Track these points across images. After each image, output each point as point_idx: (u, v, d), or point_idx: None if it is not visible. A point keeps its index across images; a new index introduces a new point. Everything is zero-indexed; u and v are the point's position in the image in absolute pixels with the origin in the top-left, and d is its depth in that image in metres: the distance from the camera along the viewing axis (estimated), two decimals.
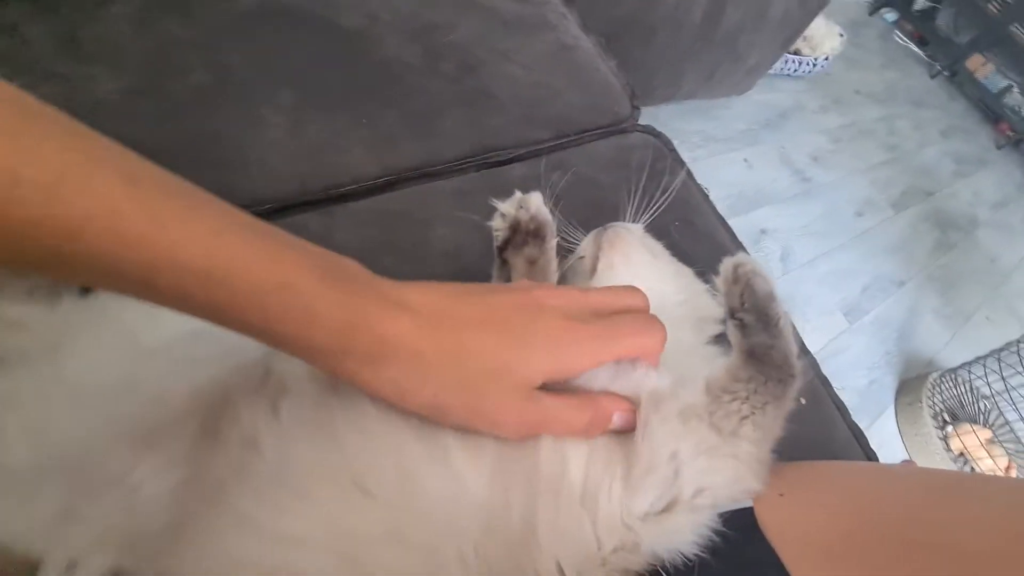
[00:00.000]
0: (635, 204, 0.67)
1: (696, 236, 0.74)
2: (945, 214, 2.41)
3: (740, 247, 0.79)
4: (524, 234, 0.51)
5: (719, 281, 0.42)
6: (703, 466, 0.37)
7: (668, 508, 0.36)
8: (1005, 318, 2.14)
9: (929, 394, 1.63)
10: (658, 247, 0.60)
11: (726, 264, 0.41)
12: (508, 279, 0.53)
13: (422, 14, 0.76)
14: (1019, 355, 1.48)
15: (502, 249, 0.52)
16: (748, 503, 0.37)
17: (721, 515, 0.37)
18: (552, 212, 0.57)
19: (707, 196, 0.81)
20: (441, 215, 0.63)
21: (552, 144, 0.75)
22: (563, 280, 0.61)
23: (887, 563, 0.31)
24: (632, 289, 0.42)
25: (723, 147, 2.02)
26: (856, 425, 0.72)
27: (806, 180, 2.14)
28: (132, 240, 0.23)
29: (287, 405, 0.36)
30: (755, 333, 0.39)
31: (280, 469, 0.34)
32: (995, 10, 2.77)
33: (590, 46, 0.86)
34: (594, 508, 0.35)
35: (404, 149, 0.66)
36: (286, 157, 0.59)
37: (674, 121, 1.93)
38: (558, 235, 0.56)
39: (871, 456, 0.70)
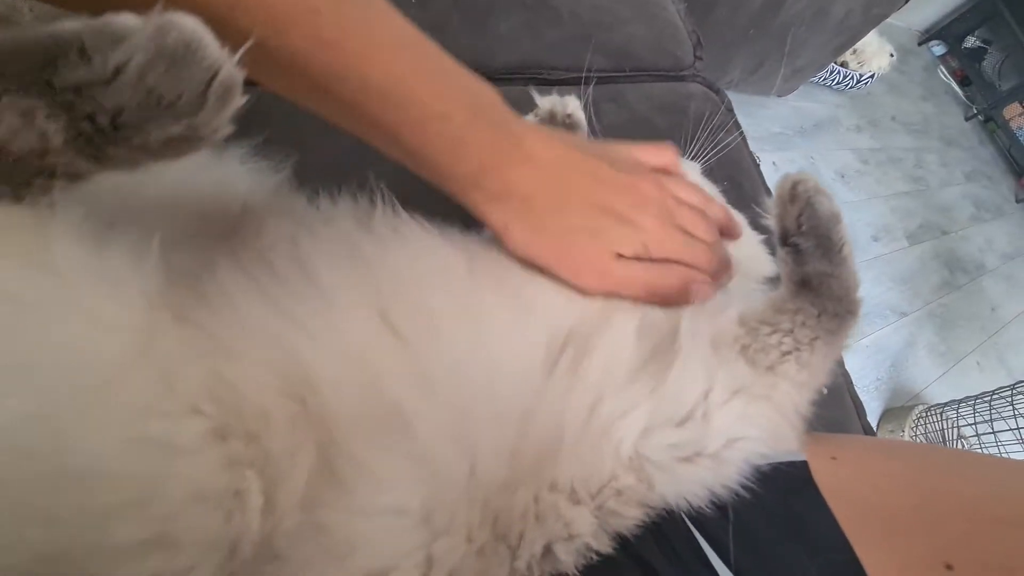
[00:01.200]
0: (692, 151, 0.62)
1: (743, 200, 0.69)
2: (955, 255, 2.39)
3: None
4: (556, 127, 0.50)
5: (773, 201, 0.37)
6: (736, 412, 0.33)
7: (690, 458, 0.32)
8: (995, 366, 2.14)
9: (912, 425, 1.62)
10: (714, 190, 0.55)
11: (784, 181, 0.36)
12: None
13: None
14: (1011, 403, 1.47)
15: None
16: (799, 456, 0.33)
17: (770, 465, 0.33)
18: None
19: (758, 164, 0.76)
20: None
21: (608, 74, 0.69)
22: None
23: (962, 539, 0.27)
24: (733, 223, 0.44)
25: (755, 146, 1.95)
26: (870, 426, 0.69)
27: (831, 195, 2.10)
28: (325, 42, 0.26)
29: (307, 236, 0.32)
30: (812, 259, 0.35)
31: (301, 286, 0.29)
32: None
33: None
34: (615, 439, 0.31)
35: (453, 43, 0.58)
36: None
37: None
38: None
39: None
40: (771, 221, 0.38)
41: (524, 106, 0.56)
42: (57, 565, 0.20)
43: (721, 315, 0.37)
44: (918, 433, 1.61)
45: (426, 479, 0.27)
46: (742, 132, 0.76)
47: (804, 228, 0.35)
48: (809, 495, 0.31)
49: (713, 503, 0.32)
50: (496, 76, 0.62)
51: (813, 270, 0.35)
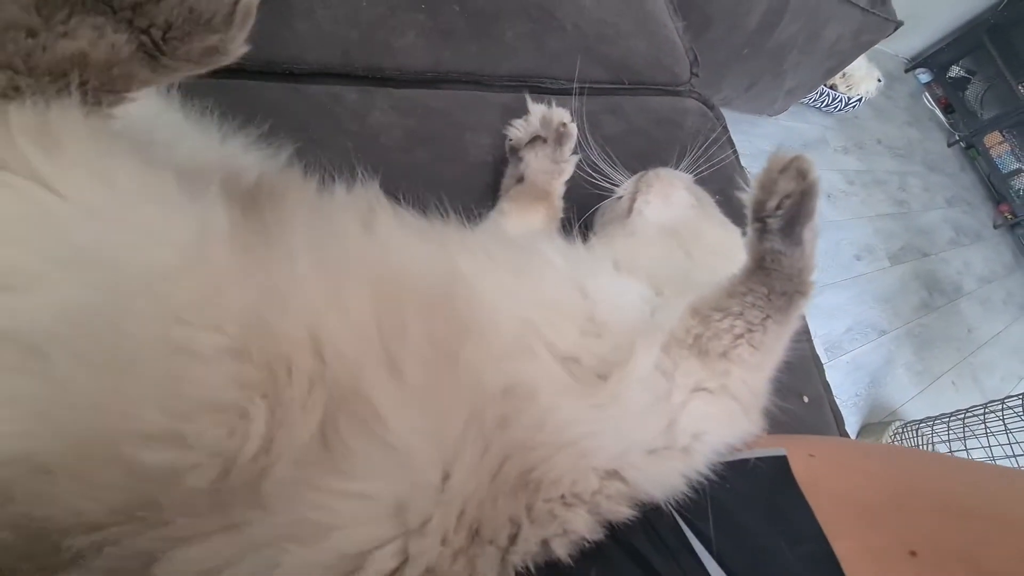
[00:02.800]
0: (685, 163, 0.64)
1: (734, 213, 0.71)
2: (935, 277, 2.45)
3: None
4: (547, 137, 0.53)
5: (764, 174, 0.35)
6: (698, 412, 0.35)
7: (659, 452, 0.34)
8: (969, 386, 2.20)
9: (889, 441, 1.66)
10: (707, 197, 0.57)
11: (784, 154, 0.34)
12: (519, 177, 0.54)
13: None
14: (984, 421, 1.52)
15: (517, 148, 0.54)
16: (780, 451, 0.35)
17: (753, 460, 0.35)
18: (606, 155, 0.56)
19: (749, 180, 0.79)
20: (484, 125, 0.59)
21: (608, 86, 0.71)
22: (598, 220, 0.58)
23: (927, 529, 0.29)
24: None
25: (745, 162, 2.00)
26: (848, 436, 0.71)
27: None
28: None
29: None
30: (772, 239, 0.34)
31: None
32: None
33: (662, 1, 0.82)
34: (593, 462, 0.33)
35: (459, 49, 0.61)
36: (336, 21, 0.54)
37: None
38: (613, 167, 0.55)
39: None
40: (748, 195, 0.37)
41: (524, 112, 0.58)
42: (93, 447, 0.23)
43: (672, 312, 0.38)
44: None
45: (397, 473, 0.28)
46: (735, 149, 0.79)
47: (780, 212, 0.34)
48: (789, 489, 0.33)
49: (696, 496, 0.33)
50: (500, 83, 0.64)
51: (770, 247, 0.35)
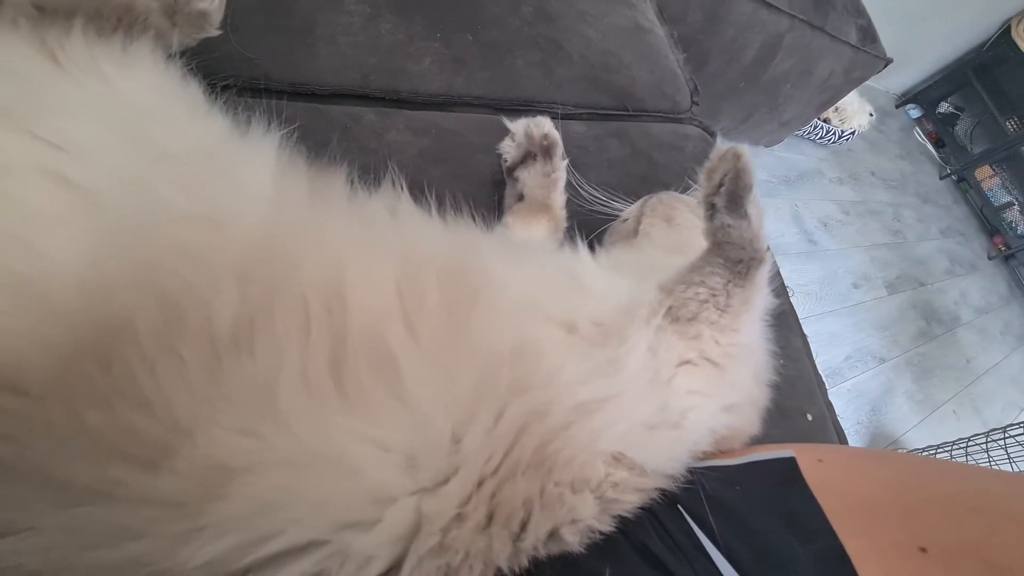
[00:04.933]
0: (686, 187, 0.67)
1: None
2: (932, 307, 2.47)
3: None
4: (536, 152, 0.55)
5: (707, 164, 0.40)
6: (682, 387, 0.37)
7: (656, 427, 0.36)
8: (970, 415, 2.19)
9: None
10: None
11: (722, 147, 0.40)
12: (519, 196, 0.56)
13: None
14: (986, 449, 1.51)
15: (512, 168, 0.56)
16: (789, 453, 0.36)
17: (762, 461, 0.36)
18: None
19: None
20: (493, 145, 0.61)
21: (613, 112, 0.74)
22: (607, 239, 0.60)
23: (937, 526, 0.30)
24: None
25: None
26: None
27: (812, 242, 2.18)
28: None
29: None
30: (720, 215, 0.39)
31: None
32: (1012, 128, 2.90)
33: (663, 34, 0.86)
34: (599, 449, 0.34)
35: (471, 75, 0.64)
36: (356, 47, 0.57)
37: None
38: (609, 197, 0.57)
39: None
40: (700, 189, 0.41)
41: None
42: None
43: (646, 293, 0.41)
44: None
45: (409, 425, 0.30)
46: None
47: (722, 189, 0.39)
48: (798, 488, 0.33)
49: (705, 497, 0.34)
50: (510, 107, 0.67)
51: (719, 223, 0.39)
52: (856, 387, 1.92)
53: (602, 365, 0.35)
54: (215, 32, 0.44)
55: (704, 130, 0.83)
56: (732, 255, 0.39)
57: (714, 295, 0.39)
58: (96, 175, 0.29)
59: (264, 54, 0.52)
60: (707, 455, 0.39)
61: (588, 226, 0.59)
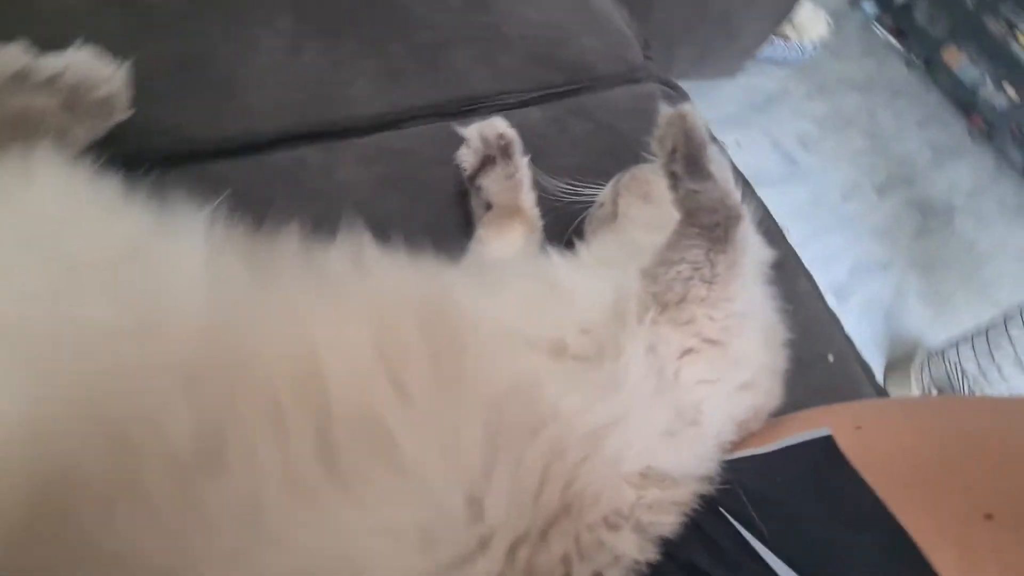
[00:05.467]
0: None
1: None
2: (925, 201, 2.45)
3: (760, 206, 0.76)
4: (494, 155, 0.52)
5: (656, 133, 0.39)
6: (689, 378, 0.35)
7: (674, 433, 0.34)
8: (983, 301, 2.18)
9: (918, 372, 1.65)
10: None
11: (666, 111, 0.38)
12: (487, 205, 0.53)
13: None
14: (1007, 333, 1.50)
15: (473, 177, 0.53)
16: (824, 431, 0.33)
17: (797, 447, 0.34)
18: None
19: (723, 149, 0.78)
20: (451, 156, 0.57)
21: (567, 88, 0.70)
22: (587, 229, 0.57)
23: (998, 486, 0.28)
24: None
25: (714, 128, 2.00)
26: (882, 388, 0.70)
27: (794, 163, 2.14)
28: None
29: None
30: (683, 182, 0.37)
31: None
32: (970, 2, 2.83)
33: None
34: (622, 472, 0.32)
35: (411, 84, 0.60)
36: (283, 85, 0.53)
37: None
38: (577, 186, 0.54)
39: None
40: (655, 157, 0.40)
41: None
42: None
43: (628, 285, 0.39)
44: (924, 380, 1.63)
45: (418, 499, 0.27)
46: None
47: (677, 154, 0.37)
48: (840, 469, 0.31)
49: (745, 495, 0.32)
50: (460, 110, 0.63)
51: (684, 190, 0.37)
52: (865, 299, 1.91)
53: (603, 385, 0.32)
54: (124, 115, 0.41)
55: (664, 84, 0.79)
56: (706, 220, 0.37)
57: (697, 268, 0.36)
58: (7, 305, 0.26)
59: (187, 118, 0.48)
60: (735, 445, 0.37)
61: (566, 219, 0.56)
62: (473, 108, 0.64)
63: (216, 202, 0.36)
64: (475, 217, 0.54)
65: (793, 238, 1.99)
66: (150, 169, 0.45)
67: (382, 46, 0.60)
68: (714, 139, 0.72)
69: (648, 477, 0.32)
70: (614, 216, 0.52)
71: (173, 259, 0.31)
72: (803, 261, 1.93)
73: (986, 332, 1.58)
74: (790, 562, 0.30)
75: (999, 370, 1.52)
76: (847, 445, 0.32)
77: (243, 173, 0.49)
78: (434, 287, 0.36)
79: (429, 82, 0.61)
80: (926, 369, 1.64)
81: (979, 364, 1.56)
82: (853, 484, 0.30)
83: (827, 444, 0.32)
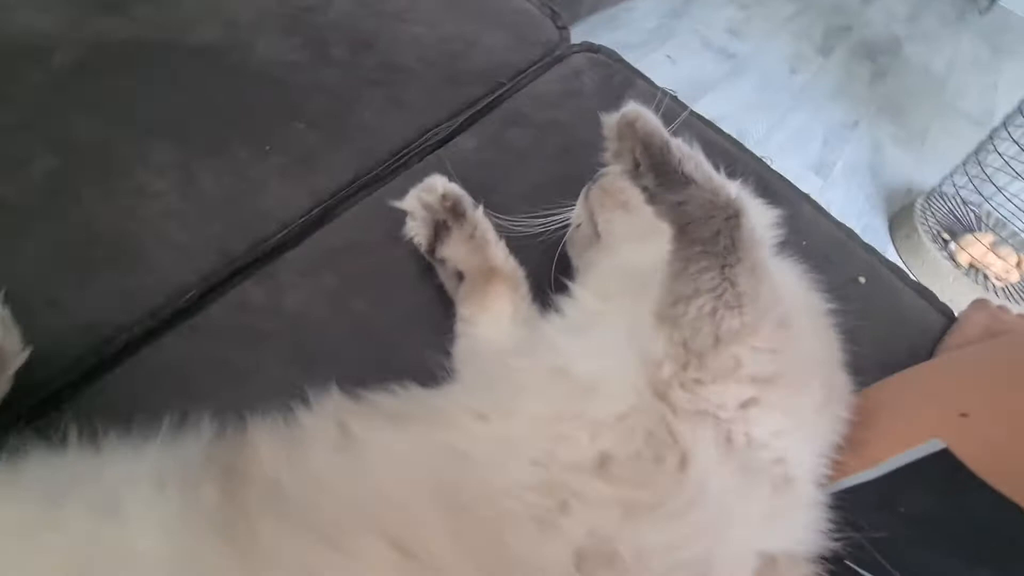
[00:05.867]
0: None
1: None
2: (869, 43, 2.37)
3: (731, 140, 0.70)
4: (445, 218, 0.46)
5: (607, 147, 0.32)
6: (760, 436, 0.30)
7: (775, 511, 0.29)
8: (955, 122, 2.14)
9: (922, 219, 1.61)
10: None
11: (609, 120, 0.32)
12: (457, 276, 0.47)
13: None
14: (996, 150, 1.46)
15: (432, 250, 0.47)
16: (936, 445, 0.29)
17: (911, 468, 0.29)
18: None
19: (671, 93, 0.71)
20: (394, 230, 0.50)
21: (490, 99, 0.63)
22: (572, 253, 0.51)
23: None
24: None
25: (641, 51, 1.92)
26: (919, 284, 0.65)
27: (731, 56, 2.06)
28: None
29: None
30: (661, 195, 0.31)
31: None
32: None
33: None
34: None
35: (327, 164, 0.53)
36: (190, 225, 0.47)
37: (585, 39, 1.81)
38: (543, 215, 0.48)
39: (944, 310, 0.64)
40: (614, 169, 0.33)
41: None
42: None
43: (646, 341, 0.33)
44: (930, 224, 1.60)
45: None
46: (640, 74, 0.72)
47: (642, 167, 0.31)
48: (969, 487, 0.27)
49: (867, 541, 0.28)
50: (393, 165, 0.56)
51: (666, 204, 0.31)
52: (847, 165, 1.86)
53: (680, 510, 0.27)
54: (22, 357, 0.34)
55: (588, 50, 0.72)
56: (703, 233, 0.31)
57: (718, 296, 0.31)
58: None
59: (97, 311, 0.42)
60: (833, 466, 0.32)
61: (547, 251, 0.50)
62: (401, 160, 0.57)
63: (160, 433, 0.30)
64: (449, 291, 0.48)
65: (758, 133, 1.92)
66: (70, 395, 0.39)
67: (278, 136, 0.52)
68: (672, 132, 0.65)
69: (769, 565, 0.27)
70: (596, 235, 0.46)
71: (123, 538, 0.25)
72: (775, 151, 1.84)
73: (975, 155, 1.54)
74: None
75: (998, 189, 1.49)
76: (964, 449, 0.28)
77: (181, 347, 0.43)
78: (437, 445, 0.30)
79: (344, 153, 0.54)
80: (928, 215, 1.61)
81: (977, 189, 1.52)
82: (989, 502, 0.26)
83: (944, 460, 0.28)
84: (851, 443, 0.33)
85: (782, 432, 0.30)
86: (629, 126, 0.30)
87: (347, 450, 0.30)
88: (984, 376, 0.33)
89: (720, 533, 0.27)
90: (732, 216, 0.31)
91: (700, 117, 0.69)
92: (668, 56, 1.94)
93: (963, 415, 0.29)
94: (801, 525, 0.29)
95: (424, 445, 0.30)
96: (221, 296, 0.46)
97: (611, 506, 0.27)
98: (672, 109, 0.64)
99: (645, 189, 0.32)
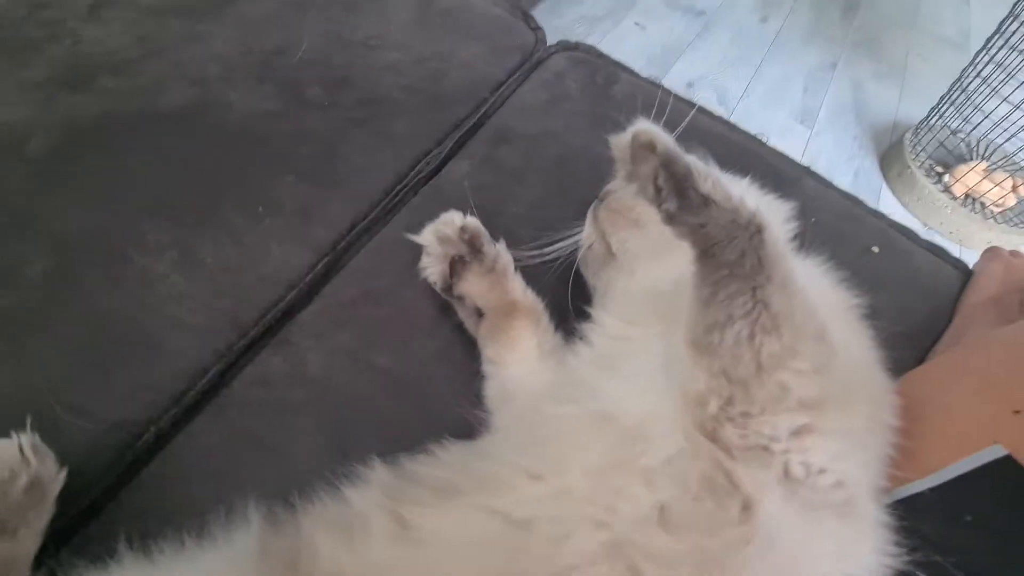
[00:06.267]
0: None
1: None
2: None
3: (724, 123, 0.68)
4: (462, 253, 0.46)
5: (623, 169, 0.31)
6: (815, 463, 0.30)
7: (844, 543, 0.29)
8: (934, 48, 2.12)
9: (912, 156, 1.60)
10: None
11: (619, 141, 0.31)
12: (476, 312, 0.46)
13: (252, 45, 0.60)
14: (979, 75, 1.44)
15: (449, 287, 0.46)
16: (997, 451, 0.28)
17: (973, 475, 0.29)
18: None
19: (660, 85, 0.70)
20: (403, 272, 0.49)
21: (477, 118, 0.62)
22: (587, 274, 0.50)
23: None
24: None
25: (610, 22, 1.88)
26: (931, 243, 0.65)
27: (700, 14, 2.02)
28: None
29: None
30: (681, 217, 0.30)
31: None
32: None
33: None
34: None
35: (323, 215, 0.52)
36: (197, 305, 0.46)
37: (551, 21, 1.77)
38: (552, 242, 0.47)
39: (958, 265, 0.64)
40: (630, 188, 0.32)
41: (434, 214, 0.49)
42: None
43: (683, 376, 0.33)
44: (921, 159, 1.59)
45: None
46: (618, 63, 0.70)
47: (663, 193, 0.30)
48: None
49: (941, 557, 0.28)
50: (389, 204, 0.55)
51: (687, 226, 0.30)
52: (831, 109, 1.84)
53: (751, 560, 0.27)
54: (61, 479, 0.34)
55: (567, 49, 0.70)
56: (729, 256, 0.30)
57: (753, 321, 0.30)
58: None
59: (120, 407, 0.41)
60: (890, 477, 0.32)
61: (561, 274, 0.49)
62: (397, 198, 0.56)
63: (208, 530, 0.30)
64: (469, 329, 0.47)
65: (738, 90, 1.89)
66: (110, 499, 0.39)
67: (269, 193, 0.51)
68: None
69: None
70: (611, 255, 0.45)
71: None
72: (758, 106, 1.80)
73: (959, 82, 1.52)
74: None
75: (985, 115, 1.47)
76: (1020, 445, 0.27)
77: (212, 430, 0.42)
78: (492, 522, 0.29)
79: (338, 200, 0.53)
80: (919, 149, 1.59)
81: (964, 117, 1.51)
82: None
83: (1007, 467, 0.27)
84: (902, 449, 0.33)
85: (839, 455, 0.29)
86: (645, 148, 0.29)
87: (404, 539, 0.29)
88: (1010, 342, 0.32)
89: (795, 571, 0.27)
90: (756, 233, 0.30)
91: (688, 102, 0.67)
92: (636, 23, 1.90)
93: (1017, 412, 0.29)
94: (871, 549, 0.29)
95: (480, 519, 0.30)
96: (241, 371, 0.45)
97: (681, 563, 0.27)
98: (673, 105, 0.63)
99: (666, 212, 0.30)
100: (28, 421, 0.35)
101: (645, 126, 0.30)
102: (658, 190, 0.30)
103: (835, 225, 0.61)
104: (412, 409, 0.44)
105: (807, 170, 0.67)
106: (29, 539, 0.32)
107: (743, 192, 0.31)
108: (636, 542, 0.27)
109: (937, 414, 0.33)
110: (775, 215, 0.45)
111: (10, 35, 0.58)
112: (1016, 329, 0.37)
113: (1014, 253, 0.62)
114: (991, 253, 0.62)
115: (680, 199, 0.29)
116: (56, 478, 0.34)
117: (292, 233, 0.50)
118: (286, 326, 0.47)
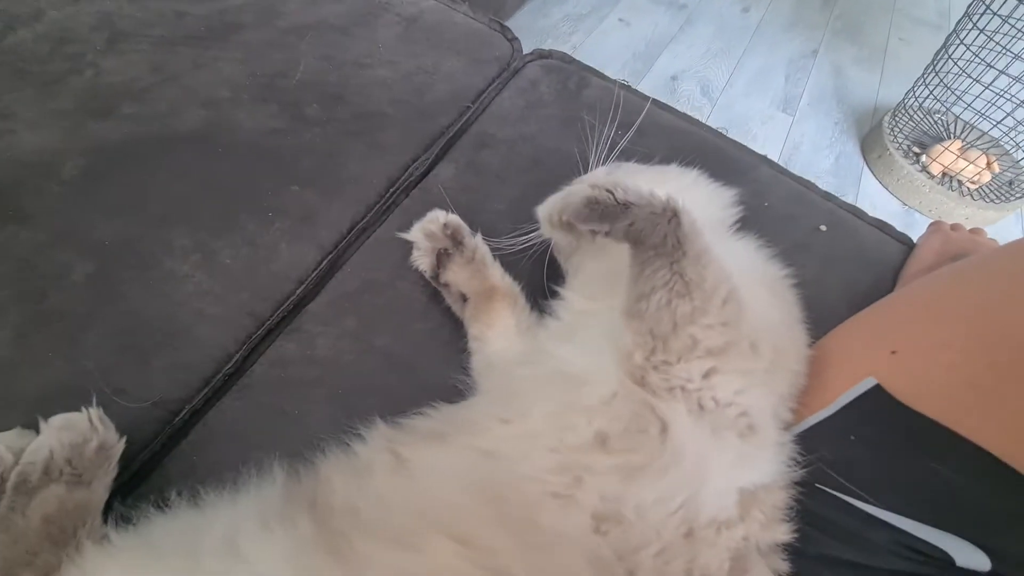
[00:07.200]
0: (594, 145, 0.62)
1: (658, 133, 0.69)
2: None
3: (686, 118, 0.75)
4: (446, 246, 0.53)
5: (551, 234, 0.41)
6: (723, 396, 0.37)
7: (743, 456, 0.36)
8: (914, 31, 2.16)
9: (891, 138, 1.65)
10: (632, 168, 0.56)
11: (542, 214, 0.41)
12: (462, 298, 0.53)
13: (256, 69, 0.66)
14: (950, 57, 1.49)
15: (436, 276, 0.53)
16: (869, 383, 0.35)
17: (853, 405, 0.35)
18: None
19: (627, 84, 0.76)
20: (398, 265, 0.57)
21: (459, 126, 0.69)
22: (561, 259, 0.57)
23: None
24: None
25: (594, 20, 1.93)
26: (877, 219, 0.71)
27: (683, 7, 2.07)
28: None
29: None
30: (614, 230, 0.37)
31: None
32: None
33: (432, 3, 0.78)
34: (712, 528, 0.34)
35: (326, 218, 0.59)
36: (219, 298, 0.53)
37: (537, 21, 1.83)
38: (524, 233, 0.54)
39: (902, 239, 0.70)
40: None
41: (421, 215, 0.56)
42: None
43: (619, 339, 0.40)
44: (899, 141, 1.64)
45: None
46: (590, 68, 0.76)
47: (596, 231, 0.38)
48: (899, 413, 0.33)
49: (829, 466, 0.34)
50: (384, 206, 0.62)
51: (619, 231, 0.37)
52: (812, 95, 1.89)
53: (665, 467, 0.34)
54: (120, 447, 0.41)
55: (541, 57, 0.77)
56: (653, 240, 0.37)
57: (671, 288, 0.36)
58: None
59: (160, 390, 0.48)
60: (797, 412, 0.39)
61: (537, 261, 0.56)
62: (390, 200, 0.63)
63: (244, 483, 0.37)
64: (456, 312, 0.54)
65: (720, 81, 1.94)
66: (155, 466, 0.46)
67: (278, 202, 0.58)
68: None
69: (744, 504, 0.34)
70: (577, 240, 0.52)
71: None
72: (741, 95, 1.86)
73: (933, 65, 1.57)
74: (900, 511, 0.32)
75: (958, 97, 1.52)
76: (894, 383, 0.34)
77: (239, 407, 0.49)
78: (474, 455, 0.37)
79: (338, 205, 0.60)
80: (897, 131, 1.65)
81: (937, 98, 1.56)
82: (919, 424, 0.32)
83: (878, 395, 0.34)
84: (812, 387, 0.39)
85: (742, 391, 0.36)
86: (563, 224, 0.38)
87: (402, 472, 0.36)
88: (910, 313, 0.39)
89: (701, 480, 0.33)
90: (672, 217, 0.37)
91: (658, 102, 0.73)
92: (620, 19, 1.96)
93: (893, 352, 0.35)
94: (769, 461, 0.35)
95: (462, 454, 0.37)
96: (261, 355, 0.52)
97: (613, 473, 0.34)
98: (631, 100, 0.70)
99: (603, 234, 0.38)
100: (93, 398, 0.42)
101: (555, 203, 0.40)
102: (593, 232, 0.38)
103: (787, 209, 0.67)
104: (408, 381, 0.50)
105: (764, 158, 0.73)
106: (100, 490, 0.39)
107: (654, 186, 0.39)
108: (580, 460, 0.34)
109: (838, 357, 0.40)
110: (718, 200, 0.51)
111: (38, 70, 0.65)
112: (906, 288, 0.44)
113: (955, 226, 0.68)
114: (933, 227, 0.68)
115: (608, 222, 0.37)
116: (117, 444, 0.41)
117: (299, 235, 0.57)
118: (298, 315, 0.55)
